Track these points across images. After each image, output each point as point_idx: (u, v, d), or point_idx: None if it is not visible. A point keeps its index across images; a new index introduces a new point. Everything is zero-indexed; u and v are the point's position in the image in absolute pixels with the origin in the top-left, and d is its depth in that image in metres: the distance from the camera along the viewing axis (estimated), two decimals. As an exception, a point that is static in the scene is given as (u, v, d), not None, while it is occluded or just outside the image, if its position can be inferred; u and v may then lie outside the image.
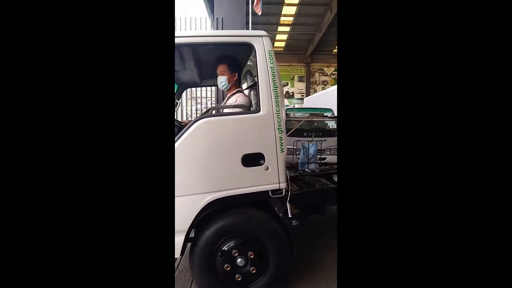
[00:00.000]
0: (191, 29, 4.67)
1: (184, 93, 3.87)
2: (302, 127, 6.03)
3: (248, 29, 4.81)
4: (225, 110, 2.09)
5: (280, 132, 1.87)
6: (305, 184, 2.85)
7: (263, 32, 1.91)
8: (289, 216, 1.96)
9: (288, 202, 1.96)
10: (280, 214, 2.00)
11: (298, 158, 5.68)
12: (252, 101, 2.02)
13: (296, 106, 11.87)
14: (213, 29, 4.57)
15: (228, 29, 4.38)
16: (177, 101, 3.07)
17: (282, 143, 1.87)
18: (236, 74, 2.14)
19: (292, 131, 5.66)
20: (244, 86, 2.37)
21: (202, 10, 5.92)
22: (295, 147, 5.79)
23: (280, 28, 13.24)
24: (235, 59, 2.12)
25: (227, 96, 2.16)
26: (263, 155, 1.85)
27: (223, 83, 2.09)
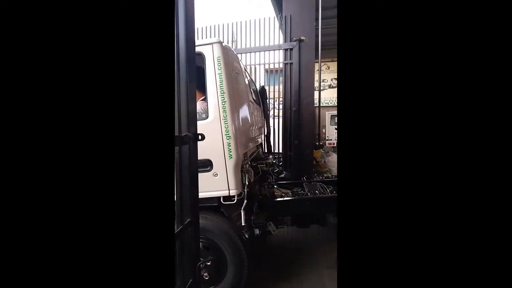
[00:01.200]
0: (254, 32, 4.60)
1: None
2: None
3: (318, 25, 4.67)
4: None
5: (228, 138, 1.84)
6: (303, 191, 2.65)
7: (213, 39, 1.92)
8: (243, 224, 1.89)
9: (243, 210, 1.90)
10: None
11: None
12: None
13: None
14: (281, 29, 4.53)
15: (297, 27, 4.35)
16: None
17: (231, 149, 1.84)
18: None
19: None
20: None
21: (269, 10, 6.02)
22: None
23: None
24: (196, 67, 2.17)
25: None
26: (211, 161, 1.86)
27: None
